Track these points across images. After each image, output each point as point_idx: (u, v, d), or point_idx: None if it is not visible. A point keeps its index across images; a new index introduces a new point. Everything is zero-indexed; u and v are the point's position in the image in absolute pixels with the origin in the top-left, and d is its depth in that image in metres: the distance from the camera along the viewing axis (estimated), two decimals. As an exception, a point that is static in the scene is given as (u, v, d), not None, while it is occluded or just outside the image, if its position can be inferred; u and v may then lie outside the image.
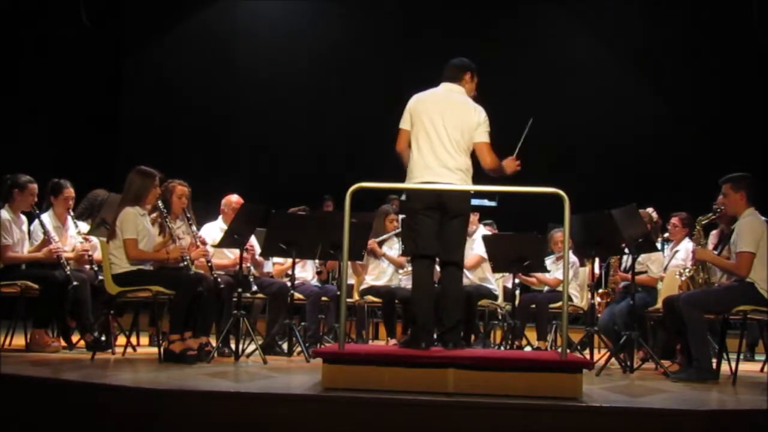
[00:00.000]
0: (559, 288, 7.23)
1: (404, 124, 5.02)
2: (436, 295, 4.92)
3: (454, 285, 4.93)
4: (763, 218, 5.47)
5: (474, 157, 4.97)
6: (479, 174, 5.00)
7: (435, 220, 4.85)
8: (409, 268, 7.58)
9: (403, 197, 8.97)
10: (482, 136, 4.94)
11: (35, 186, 6.18)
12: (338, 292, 6.34)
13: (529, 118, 5.02)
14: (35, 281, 6.00)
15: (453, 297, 4.90)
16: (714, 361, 5.49)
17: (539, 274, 7.45)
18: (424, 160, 4.86)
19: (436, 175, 4.81)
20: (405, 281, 7.43)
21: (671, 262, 6.67)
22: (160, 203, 5.85)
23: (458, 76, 5.09)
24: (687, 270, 5.87)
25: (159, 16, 11.61)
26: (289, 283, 6.29)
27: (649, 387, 4.95)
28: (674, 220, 6.87)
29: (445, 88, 5.07)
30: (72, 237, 6.46)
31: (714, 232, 6.29)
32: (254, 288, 6.53)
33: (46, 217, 6.30)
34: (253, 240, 6.59)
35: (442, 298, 4.90)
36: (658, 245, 6.64)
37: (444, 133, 4.87)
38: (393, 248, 7.40)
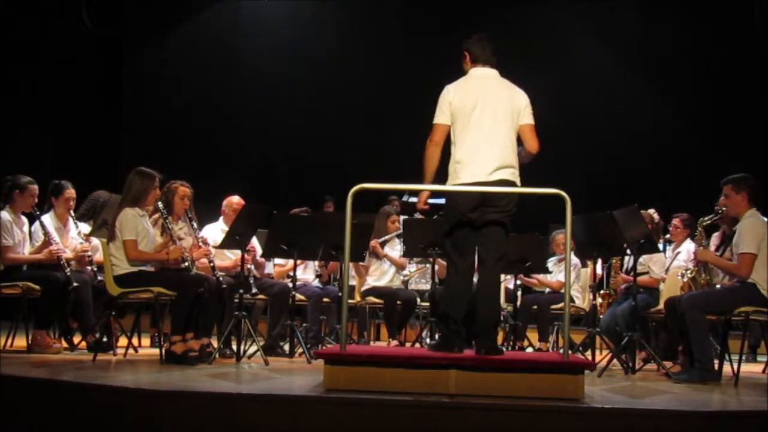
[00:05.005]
0: (562, 290, 7.23)
1: (443, 118, 4.63)
2: (472, 296, 4.67)
3: (491, 286, 4.66)
4: (765, 219, 5.47)
5: None
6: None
7: (475, 223, 4.61)
8: (409, 270, 7.63)
9: (405, 198, 9.01)
10: (529, 117, 4.68)
11: (35, 187, 6.18)
12: (340, 293, 6.34)
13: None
14: (36, 282, 6.00)
15: (489, 298, 4.62)
16: (716, 362, 5.48)
17: (541, 276, 7.45)
18: (472, 158, 4.56)
19: (488, 174, 4.54)
20: (412, 282, 7.47)
21: (673, 263, 6.66)
22: (159, 204, 5.85)
23: (495, 60, 4.76)
24: (689, 271, 5.87)
25: (160, 16, 11.61)
26: (290, 284, 6.29)
27: (651, 388, 4.95)
28: (676, 221, 6.86)
29: (485, 73, 4.72)
30: (73, 238, 6.46)
31: (716, 234, 6.28)
32: (254, 290, 6.53)
33: (47, 218, 6.30)
34: (254, 241, 6.59)
35: (477, 298, 4.63)
36: (660, 246, 6.64)
37: (494, 126, 4.57)
38: (395, 249, 7.40)
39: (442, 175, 4.79)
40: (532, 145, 4.69)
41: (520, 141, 4.73)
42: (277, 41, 11.71)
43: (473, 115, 4.60)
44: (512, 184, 4.63)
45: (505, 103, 4.65)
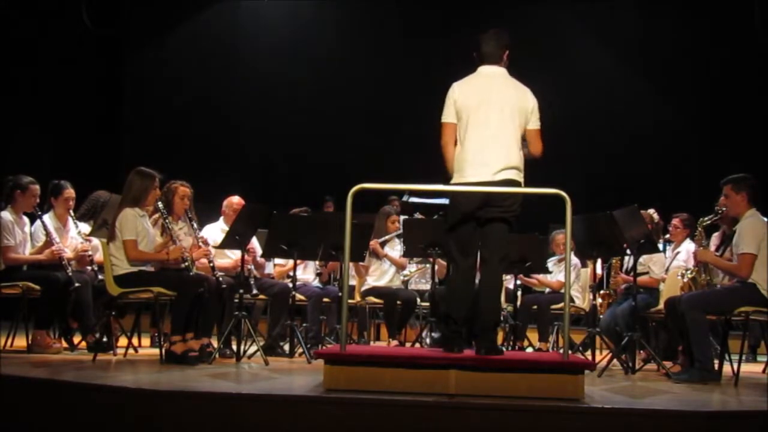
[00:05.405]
0: (562, 290, 7.23)
1: (449, 117, 4.61)
2: (474, 295, 4.62)
3: (493, 286, 4.64)
4: (765, 219, 5.47)
5: None
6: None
7: (478, 222, 4.58)
8: (409, 270, 7.63)
9: (405, 198, 9.01)
10: (536, 122, 4.64)
11: (37, 187, 6.18)
12: (340, 293, 6.34)
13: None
14: (37, 282, 6.00)
15: (490, 297, 4.59)
16: (716, 362, 5.48)
17: (541, 276, 7.45)
18: (477, 157, 4.51)
19: (494, 174, 4.50)
20: (412, 282, 7.48)
21: (672, 263, 6.67)
22: (159, 204, 5.85)
23: (499, 56, 4.69)
24: (689, 271, 5.87)
25: (160, 16, 11.60)
26: (290, 284, 6.29)
27: (651, 388, 4.95)
28: (675, 221, 6.87)
29: (491, 71, 4.68)
30: (73, 238, 6.46)
31: (716, 234, 6.29)
32: (254, 290, 6.53)
33: (48, 219, 6.30)
34: (254, 241, 6.59)
35: (479, 297, 4.58)
36: (660, 246, 6.64)
37: (501, 125, 4.52)
38: (395, 249, 7.40)
39: (443, 176, 4.79)
40: (537, 148, 4.68)
41: (523, 139, 4.70)
42: (277, 41, 11.70)
43: (479, 114, 4.57)
44: (517, 184, 4.60)
45: (513, 101, 4.61)
